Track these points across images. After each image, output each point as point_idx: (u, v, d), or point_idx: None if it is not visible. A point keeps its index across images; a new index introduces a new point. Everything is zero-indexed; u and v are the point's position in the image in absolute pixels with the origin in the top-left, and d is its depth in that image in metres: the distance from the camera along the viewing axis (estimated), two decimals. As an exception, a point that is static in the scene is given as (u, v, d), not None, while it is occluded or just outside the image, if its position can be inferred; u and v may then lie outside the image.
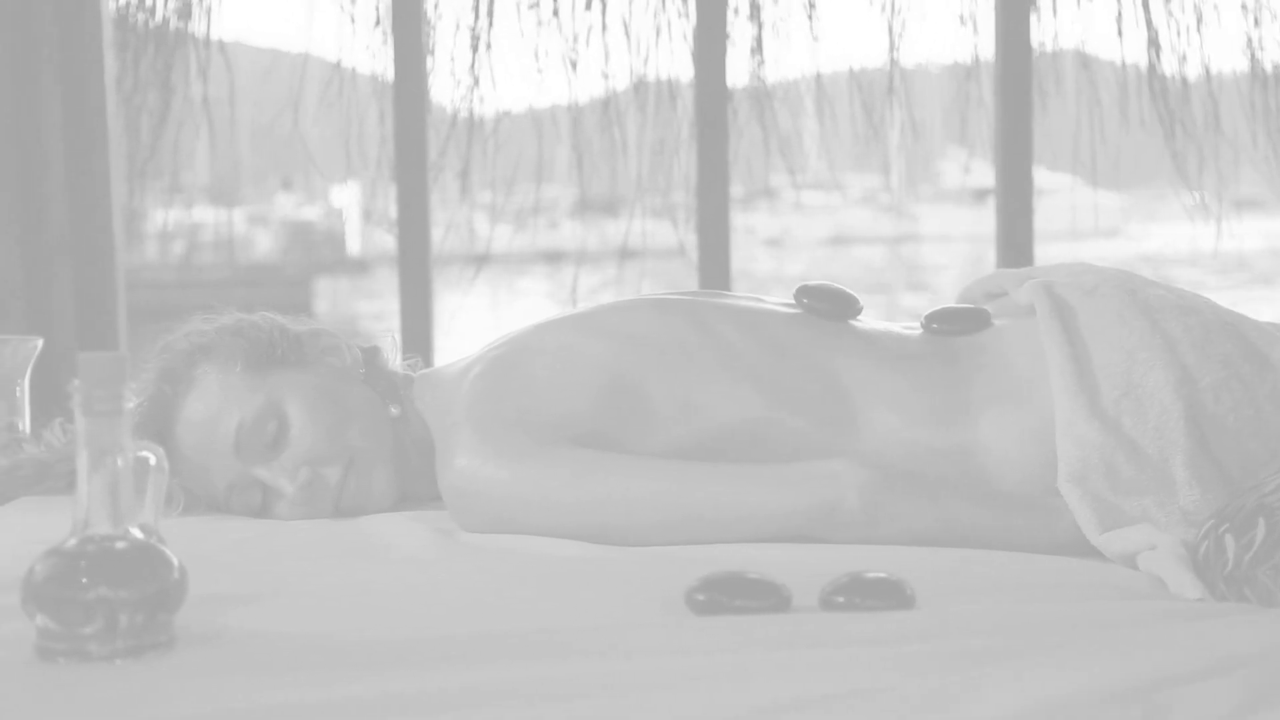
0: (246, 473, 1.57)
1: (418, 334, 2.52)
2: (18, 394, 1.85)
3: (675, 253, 2.94)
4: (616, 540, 1.45)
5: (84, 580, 1.04)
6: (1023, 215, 2.64)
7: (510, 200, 2.96)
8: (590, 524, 1.45)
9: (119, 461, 1.05)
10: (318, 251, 19.52)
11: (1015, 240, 2.66)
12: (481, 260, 2.93)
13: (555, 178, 2.96)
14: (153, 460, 1.14)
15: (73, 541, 1.05)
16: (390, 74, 2.68)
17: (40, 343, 1.86)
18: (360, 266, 20.19)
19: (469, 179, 2.83)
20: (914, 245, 25.54)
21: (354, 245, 20.21)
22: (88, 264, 2.46)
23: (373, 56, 2.79)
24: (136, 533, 1.07)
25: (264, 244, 19.11)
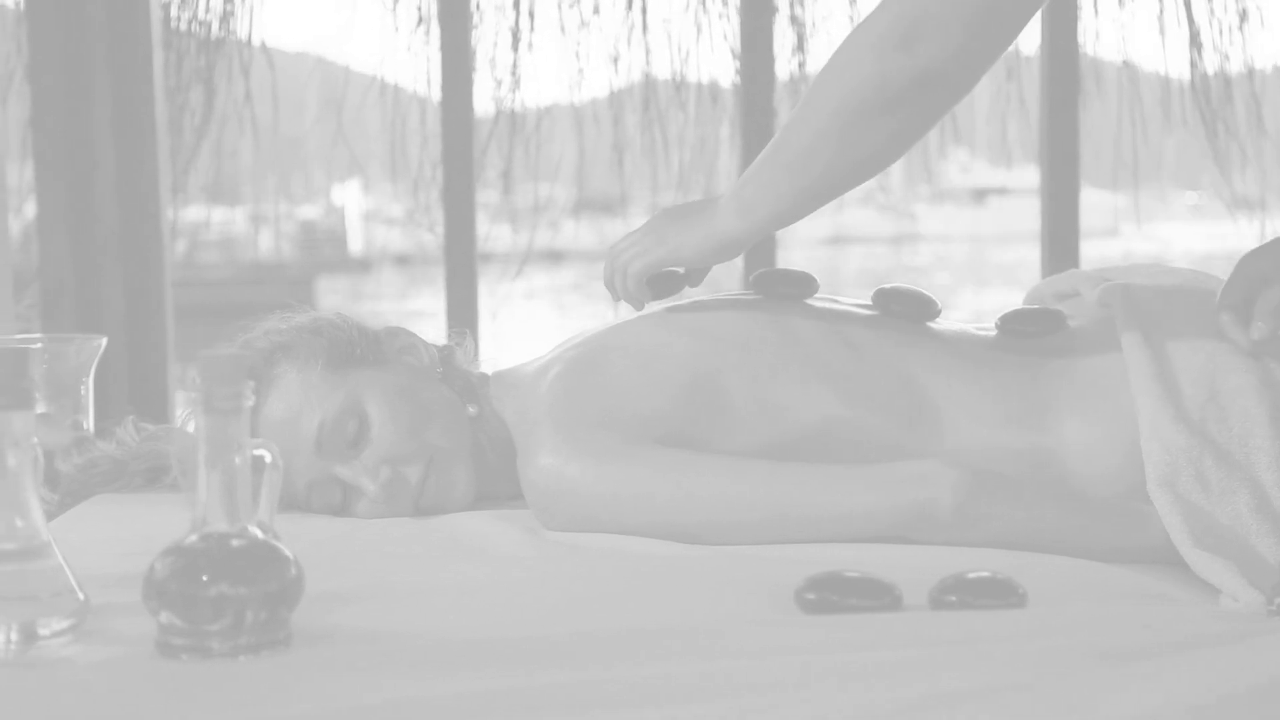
0: (327, 471, 1.57)
1: (464, 333, 2.52)
2: (82, 392, 1.84)
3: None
4: (702, 539, 1.45)
5: (204, 578, 1.04)
6: (1069, 214, 2.64)
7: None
8: (676, 523, 1.44)
9: (237, 459, 1.06)
10: (319, 251, 19.54)
11: (1061, 239, 2.66)
12: (524, 259, 2.94)
13: (594, 176, 2.96)
14: (268, 458, 1.14)
15: (193, 538, 1.05)
16: (434, 74, 2.68)
17: (104, 341, 1.86)
18: (362, 266, 20.20)
19: (510, 178, 2.83)
20: (912, 244, 25.59)
21: (355, 245, 20.22)
22: (137, 262, 2.45)
23: (415, 57, 2.79)
24: (255, 530, 1.07)
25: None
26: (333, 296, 18.14)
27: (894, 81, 1.39)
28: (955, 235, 25.34)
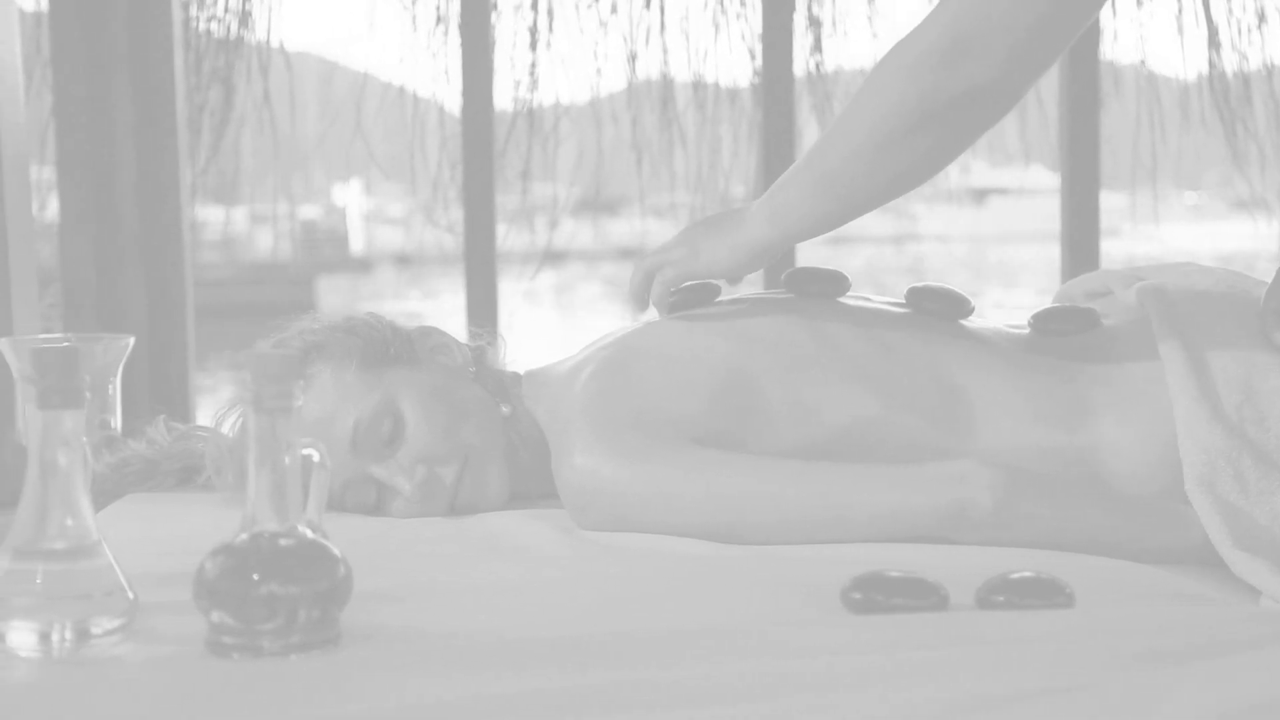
0: (362, 471, 1.57)
1: (484, 332, 2.52)
2: (110, 392, 1.84)
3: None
4: (733, 539, 1.44)
5: (255, 577, 1.04)
6: (1089, 215, 2.64)
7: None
8: (712, 522, 1.44)
9: (285, 459, 1.06)
10: (320, 251, 19.54)
11: (1081, 240, 2.66)
12: (542, 258, 2.94)
13: (612, 176, 2.96)
14: (316, 457, 1.14)
15: (243, 537, 1.05)
16: (453, 73, 2.68)
17: (132, 341, 1.85)
18: (362, 266, 20.21)
19: (528, 178, 2.83)
20: (913, 244, 25.61)
21: (356, 245, 20.23)
22: (158, 263, 2.45)
23: (433, 57, 2.79)
24: (304, 530, 1.07)
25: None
26: (333, 296, 18.14)
27: (933, 99, 1.38)
28: (955, 235, 25.39)
